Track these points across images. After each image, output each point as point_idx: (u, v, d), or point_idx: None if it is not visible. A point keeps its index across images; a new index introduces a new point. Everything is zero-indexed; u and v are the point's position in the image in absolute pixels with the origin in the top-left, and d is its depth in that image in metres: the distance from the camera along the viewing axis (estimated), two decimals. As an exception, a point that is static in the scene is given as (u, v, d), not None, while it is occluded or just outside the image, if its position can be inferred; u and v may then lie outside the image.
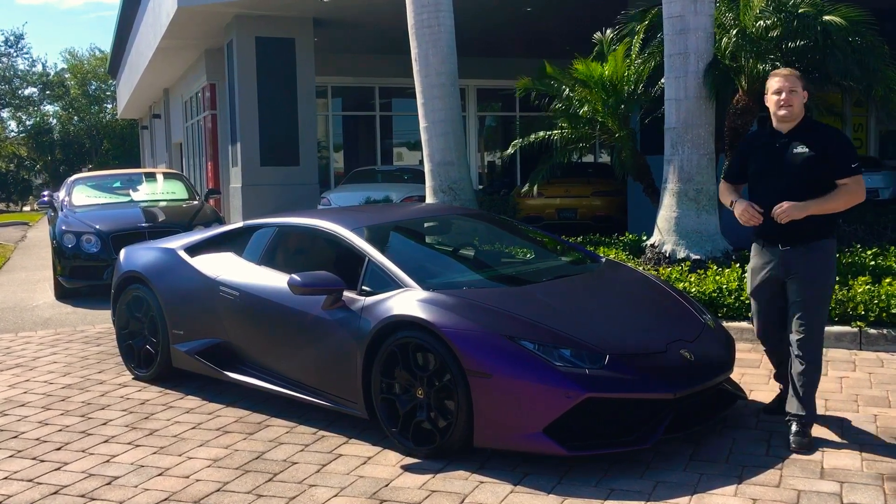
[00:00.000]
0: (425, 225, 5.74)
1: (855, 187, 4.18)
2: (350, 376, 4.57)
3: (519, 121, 21.65)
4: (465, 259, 5.52)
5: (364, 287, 4.70)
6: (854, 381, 5.43)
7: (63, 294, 10.20)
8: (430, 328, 4.20)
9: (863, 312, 6.27)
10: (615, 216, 14.00)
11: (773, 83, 4.23)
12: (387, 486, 3.99)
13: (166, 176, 12.83)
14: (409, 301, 4.40)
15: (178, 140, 25.78)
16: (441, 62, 9.71)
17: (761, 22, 8.02)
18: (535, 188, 10.01)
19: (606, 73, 8.92)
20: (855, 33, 7.89)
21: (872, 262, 7.29)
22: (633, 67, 9.02)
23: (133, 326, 6.08)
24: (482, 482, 3.96)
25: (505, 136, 22.87)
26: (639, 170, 9.21)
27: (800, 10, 7.83)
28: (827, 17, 7.84)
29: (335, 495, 3.90)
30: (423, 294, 4.44)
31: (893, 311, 6.20)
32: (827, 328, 6.24)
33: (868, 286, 6.41)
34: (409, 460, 4.28)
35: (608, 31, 9.53)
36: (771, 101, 4.24)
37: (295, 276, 4.63)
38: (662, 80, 9.06)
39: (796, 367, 4.29)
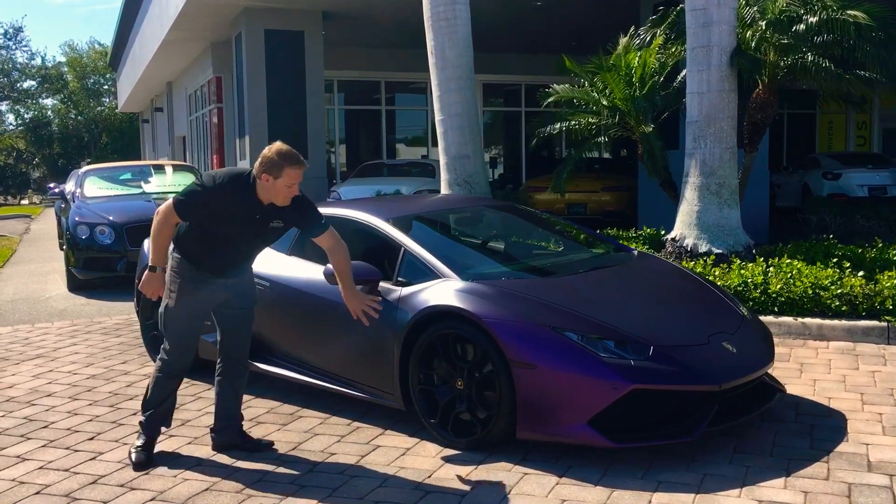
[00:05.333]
0: (457, 216, 5.70)
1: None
2: (386, 367, 4.53)
3: (525, 116, 21.63)
4: (499, 250, 5.48)
5: (400, 278, 4.66)
6: (887, 375, 5.40)
7: (76, 286, 10.13)
8: (472, 318, 4.16)
9: (891, 307, 6.24)
10: (625, 211, 13.96)
11: (295, 175, 3.85)
12: (429, 477, 3.95)
13: (178, 168, 12.77)
14: (448, 291, 4.36)
15: (182, 134, 25.69)
16: (458, 55, 9.66)
17: (787, 14, 8.00)
18: (552, 184, 10.01)
19: (635, 62, 8.91)
20: (878, 28, 7.86)
21: (896, 257, 7.27)
22: (655, 60, 9.00)
23: (158, 317, 6.02)
24: (526, 473, 3.93)
25: (508, 131, 22.84)
26: (660, 164, 9.16)
27: (827, 3, 7.81)
28: (851, 12, 7.81)
29: (379, 486, 3.86)
30: (463, 284, 4.40)
31: (922, 305, 6.18)
32: (854, 322, 6.31)
33: (895, 281, 6.38)
34: (449, 452, 4.24)
35: (640, 28, 9.52)
36: (282, 189, 3.87)
37: (331, 267, 4.57)
38: (680, 76, 9.07)
39: None
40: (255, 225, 4.05)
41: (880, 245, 7.84)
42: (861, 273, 6.75)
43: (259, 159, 3.91)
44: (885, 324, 6.22)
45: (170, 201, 3.99)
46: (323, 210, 5.53)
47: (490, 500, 3.67)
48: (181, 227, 4.09)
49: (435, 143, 21.12)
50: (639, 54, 9.12)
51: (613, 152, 18.16)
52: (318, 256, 5.21)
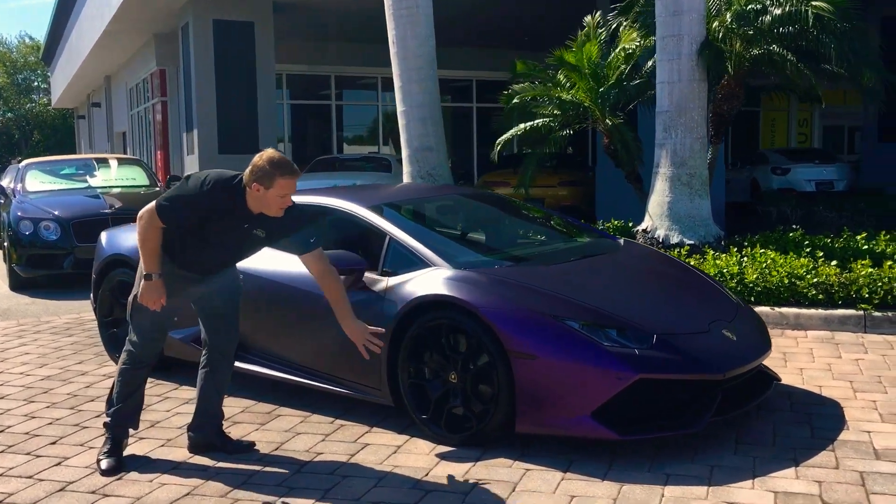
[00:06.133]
0: (437, 204, 5.49)
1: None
2: (372, 361, 4.28)
3: (476, 112, 21.52)
4: (486, 238, 5.28)
5: (385, 267, 4.44)
6: (870, 363, 5.37)
7: (18, 284, 9.62)
8: (467, 308, 3.96)
9: (866, 295, 6.24)
10: (581, 206, 13.96)
11: (288, 185, 3.58)
12: (426, 475, 3.74)
13: (125, 162, 12.29)
14: (439, 280, 4.15)
15: (122, 129, 24.91)
16: (420, 45, 9.44)
17: (752, 6, 7.99)
18: (517, 184, 9.96)
19: (594, 55, 8.81)
20: (842, 18, 7.89)
21: (865, 246, 7.30)
22: (622, 52, 8.92)
23: (118, 314, 5.68)
24: (528, 469, 3.74)
25: (458, 126, 22.68)
26: (634, 155, 9.08)
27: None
28: (815, 3, 7.82)
29: (374, 486, 3.64)
30: (454, 272, 4.20)
31: (897, 293, 6.19)
32: (831, 311, 6.29)
33: (870, 269, 6.39)
34: (442, 448, 4.03)
35: (597, 14, 9.43)
36: (274, 199, 3.60)
37: (315, 257, 4.32)
38: (647, 66, 9.02)
39: None
40: (239, 233, 3.80)
41: (846, 235, 7.88)
42: (834, 262, 6.75)
43: (249, 168, 3.63)
44: (861, 312, 6.21)
45: (152, 205, 3.69)
46: (298, 198, 5.29)
47: (494, 498, 3.48)
48: None
49: (386, 141, 20.94)
50: (613, 51, 9.03)
51: (562, 148, 18.20)
52: (295, 246, 4.95)
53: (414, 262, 4.35)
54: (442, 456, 3.95)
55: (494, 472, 3.73)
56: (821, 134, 25.99)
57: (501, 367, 3.85)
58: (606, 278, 4.53)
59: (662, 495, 3.45)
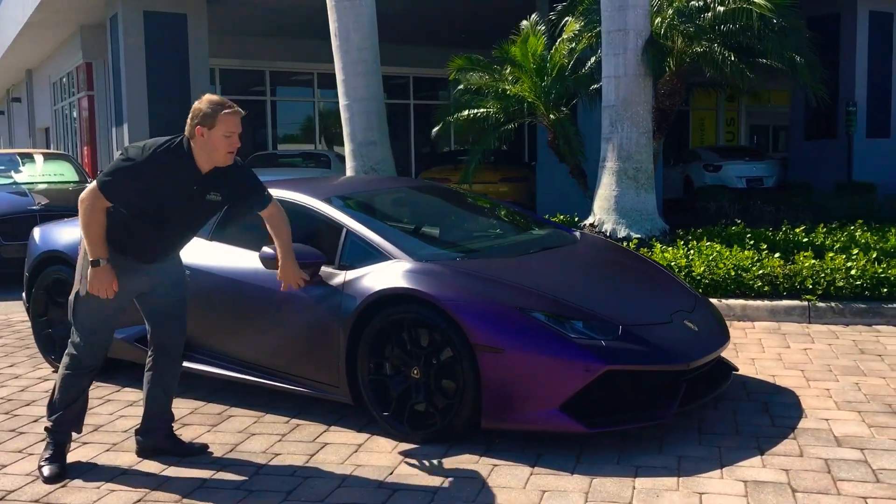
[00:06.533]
0: (392, 196, 5.36)
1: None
2: (330, 358, 4.16)
3: (413, 108, 21.40)
4: (443, 230, 5.17)
5: (343, 261, 4.30)
6: (819, 352, 5.46)
7: (-61, 285, 9.13)
8: (430, 301, 3.85)
9: (810, 286, 6.36)
10: (522, 202, 13.98)
11: (232, 122, 3.45)
12: (391, 474, 3.62)
13: (52, 157, 11.81)
14: (399, 273, 4.04)
15: (45, 125, 24.00)
16: (363, 38, 9.29)
17: (693, 2, 8.08)
18: (461, 177, 9.91)
19: (539, 50, 8.79)
20: (780, 15, 8.04)
21: (805, 239, 7.45)
22: (564, 46, 8.93)
23: (53, 314, 5.40)
24: (496, 465, 3.66)
25: (396, 123, 22.53)
26: (577, 149, 9.09)
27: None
28: (757, 0, 7.95)
29: (338, 486, 3.51)
30: (415, 265, 4.08)
31: (839, 284, 6.32)
32: (777, 302, 6.38)
33: (813, 261, 6.52)
34: (405, 446, 3.92)
35: (534, 16, 9.43)
36: (220, 140, 3.46)
37: (268, 250, 4.16)
38: (591, 61, 9.05)
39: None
40: (191, 199, 3.58)
41: (785, 228, 8.03)
42: (777, 254, 6.87)
43: (189, 116, 3.49)
44: (805, 303, 6.33)
45: (94, 185, 3.47)
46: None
47: (465, 496, 3.38)
48: None
49: (321, 138, 20.65)
50: (556, 45, 9.03)
51: (503, 143, 18.25)
52: (245, 241, 4.77)
53: (373, 255, 4.22)
54: (405, 454, 3.84)
55: (462, 469, 3.63)
56: (747, 133, 26.67)
57: (466, 362, 3.76)
58: (568, 270, 4.49)
59: (633, 487, 3.41)
